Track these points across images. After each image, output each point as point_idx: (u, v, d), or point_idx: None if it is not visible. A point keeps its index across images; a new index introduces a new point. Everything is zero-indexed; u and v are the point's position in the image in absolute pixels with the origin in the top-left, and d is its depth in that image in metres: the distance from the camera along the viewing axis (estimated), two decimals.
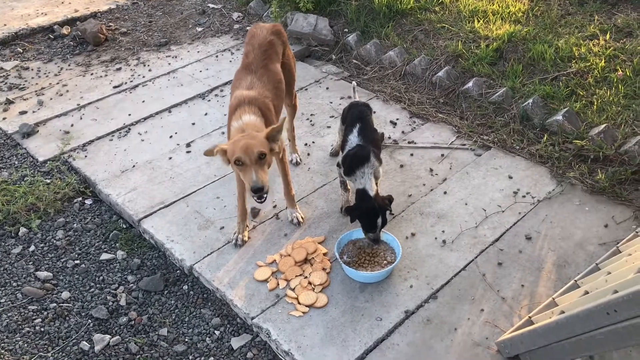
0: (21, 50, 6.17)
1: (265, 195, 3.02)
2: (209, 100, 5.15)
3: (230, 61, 5.76)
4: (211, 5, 6.96)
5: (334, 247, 3.39)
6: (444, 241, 3.55)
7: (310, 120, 4.77)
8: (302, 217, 3.73)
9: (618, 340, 2.25)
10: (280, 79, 3.58)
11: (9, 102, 5.24)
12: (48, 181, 4.26)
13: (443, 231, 3.62)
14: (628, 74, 4.61)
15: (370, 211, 3.26)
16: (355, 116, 3.69)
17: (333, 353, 2.92)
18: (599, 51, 4.90)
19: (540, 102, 4.53)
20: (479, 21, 5.56)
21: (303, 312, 3.15)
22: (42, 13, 6.89)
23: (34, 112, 5.09)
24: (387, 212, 3.34)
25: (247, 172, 2.97)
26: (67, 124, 4.91)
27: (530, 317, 2.89)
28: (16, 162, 4.51)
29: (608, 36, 5.08)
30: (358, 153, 3.45)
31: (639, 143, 3.97)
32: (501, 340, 2.88)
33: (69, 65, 5.88)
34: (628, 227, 3.54)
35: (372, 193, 3.31)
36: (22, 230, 3.88)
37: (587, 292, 2.69)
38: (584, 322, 2.36)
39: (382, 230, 3.42)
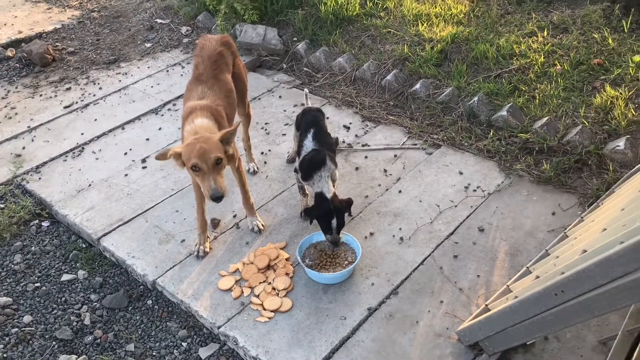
0: None
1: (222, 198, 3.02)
2: (162, 115, 5.15)
3: (182, 75, 5.78)
4: (159, 21, 6.95)
5: (296, 252, 3.45)
6: (401, 238, 3.66)
7: (265, 129, 4.84)
8: (262, 225, 3.78)
9: (567, 318, 2.38)
10: (231, 89, 3.64)
11: None
12: (2, 206, 4.19)
13: (400, 229, 3.73)
14: (566, 68, 4.83)
15: (326, 213, 3.34)
16: (309, 121, 3.77)
17: (300, 355, 2.99)
18: (538, 47, 5.13)
19: (485, 99, 4.71)
20: (422, 24, 5.73)
21: (269, 318, 3.21)
22: None
23: None
24: (346, 214, 3.43)
25: (205, 179, 2.98)
26: (18, 146, 4.84)
27: (487, 305, 3.02)
28: None
29: (546, 33, 5.31)
30: (314, 157, 3.53)
31: (580, 133, 4.17)
32: (461, 329, 3.00)
33: (16, 87, 5.79)
34: (574, 213, 3.73)
35: (329, 195, 3.40)
36: None
37: (538, 277, 2.83)
38: (535, 304, 2.49)
39: (342, 231, 3.51)
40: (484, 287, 3.30)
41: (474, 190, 3.99)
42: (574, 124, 4.34)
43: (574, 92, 4.63)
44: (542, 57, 4.99)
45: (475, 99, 4.68)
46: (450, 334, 3.05)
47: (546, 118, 4.37)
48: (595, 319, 3.06)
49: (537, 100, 4.61)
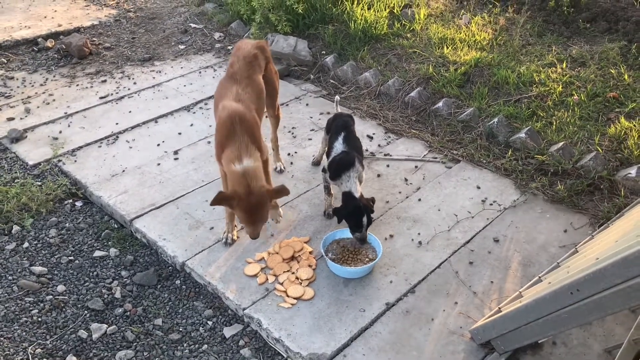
0: (5, 61, 6.29)
1: None
2: (194, 113, 5.38)
3: (214, 77, 6.02)
4: (193, 25, 7.23)
5: (319, 246, 3.64)
6: (419, 242, 3.85)
7: (292, 133, 5.05)
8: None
9: (580, 316, 2.56)
10: (262, 89, 3.85)
11: None
12: (39, 183, 4.39)
13: (419, 233, 3.92)
14: (583, 98, 5.06)
15: (357, 211, 3.54)
16: (340, 125, 3.99)
17: (321, 340, 3.16)
18: (556, 78, 5.37)
19: (505, 121, 4.93)
20: (447, 47, 5.98)
21: (291, 304, 3.38)
22: (25, 26, 7.02)
23: (21, 119, 5.22)
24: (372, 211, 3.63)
25: (249, 227, 3.40)
26: (55, 130, 5.06)
27: (499, 308, 3.19)
28: (6, 166, 4.62)
29: (564, 65, 5.56)
30: (344, 158, 3.74)
31: (593, 159, 4.38)
32: (474, 327, 3.17)
33: (54, 76, 6.02)
34: (585, 232, 3.92)
35: (357, 195, 3.59)
36: (15, 228, 4.00)
37: (550, 283, 3.01)
38: (551, 303, 2.67)
39: None
40: (497, 292, 3.47)
41: (491, 204, 4.19)
42: (589, 150, 4.54)
43: (589, 121, 4.85)
44: (561, 86, 5.22)
45: (495, 120, 4.90)
46: (464, 333, 3.22)
47: (562, 143, 4.58)
48: (602, 329, 3.24)
49: (554, 126, 4.83)
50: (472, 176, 4.50)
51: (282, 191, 3.42)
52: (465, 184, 4.41)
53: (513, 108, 5.07)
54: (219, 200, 3.29)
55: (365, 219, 3.54)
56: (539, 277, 3.35)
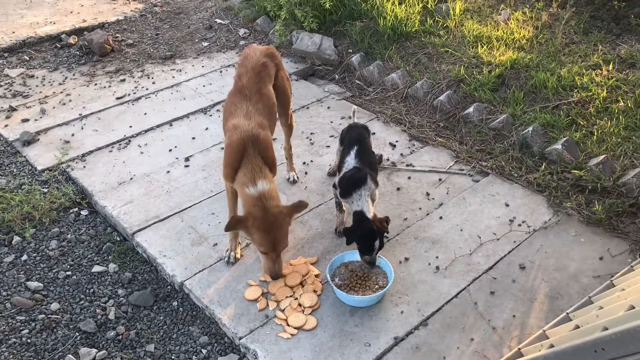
0: (27, 58, 6.22)
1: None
2: (211, 115, 5.17)
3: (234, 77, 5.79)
4: (218, 21, 7.01)
5: (326, 269, 3.37)
6: (437, 267, 3.53)
7: (310, 139, 4.78)
8: None
9: None
10: (273, 103, 3.60)
11: (12, 109, 5.27)
12: (45, 190, 4.26)
13: (437, 257, 3.60)
14: (629, 105, 4.60)
15: (368, 234, 3.25)
16: (354, 138, 3.69)
17: None
18: (601, 81, 4.91)
19: (540, 130, 4.53)
20: (482, 47, 5.57)
21: (292, 334, 3.13)
22: (50, 22, 6.95)
23: (36, 120, 5.12)
24: (384, 234, 3.34)
25: (269, 262, 3.21)
26: (68, 133, 4.93)
27: (519, 349, 2.86)
28: (15, 170, 4.52)
29: (611, 67, 5.08)
30: (355, 175, 3.45)
31: (638, 176, 3.95)
32: None
33: (74, 74, 5.92)
34: (623, 260, 3.52)
35: (369, 215, 3.30)
36: (16, 239, 3.87)
37: (577, 327, 2.66)
38: (572, 358, 2.33)
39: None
40: (519, 328, 3.13)
41: (519, 225, 3.82)
42: (633, 166, 4.11)
43: (635, 132, 4.40)
44: (605, 91, 4.76)
45: (530, 128, 4.50)
46: None
47: (603, 156, 4.16)
48: None
49: (594, 137, 4.40)
50: (500, 192, 4.13)
51: (301, 206, 3.26)
52: (493, 201, 4.05)
53: (550, 115, 4.65)
54: (233, 224, 3.15)
55: (377, 243, 3.25)
56: (567, 313, 2.99)
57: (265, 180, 3.18)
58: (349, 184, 3.43)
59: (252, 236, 3.15)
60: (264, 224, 3.10)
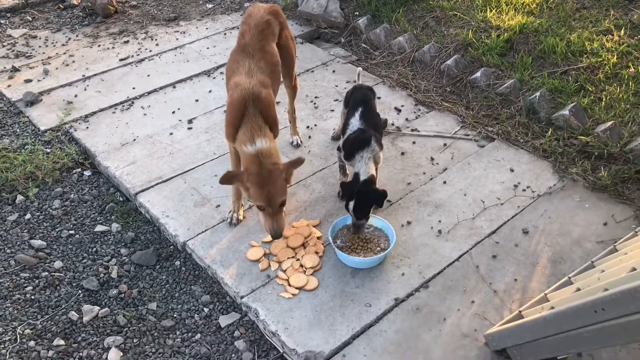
0: (30, 19, 6.16)
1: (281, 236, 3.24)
2: (214, 78, 5.11)
3: None
4: None
5: (328, 231, 3.36)
6: (439, 231, 3.52)
7: (314, 103, 4.73)
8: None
9: (604, 338, 2.21)
10: (277, 62, 3.53)
11: (15, 69, 5.23)
12: (48, 150, 4.25)
13: (439, 221, 3.59)
14: None
15: (350, 195, 3.25)
16: (359, 99, 3.64)
17: (320, 336, 2.91)
18: (611, 47, 4.81)
19: (548, 95, 4.46)
20: (491, 10, 5.47)
21: (293, 294, 3.14)
22: None
23: (39, 80, 5.09)
24: (376, 203, 3.30)
25: (268, 219, 3.14)
26: (71, 94, 4.90)
27: (520, 312, 2.86)
28: (18, 130, 4.50)
29: (623, 32, 4.98)
30: (359, 137, 3.41)
31: None
32: (489, 333, 2.85)
33: (77, 35, 5.85)
34: (628, 226, 3.49)
35: (363, 177, 3.27)
36: (20, 198, 3.88)
37: (579, 289, 2.66)
38: (572, 319, 2.33)
39: (378, 217, 3.41)
40: (520, 292, 3.13)
41: (524, 190, 3.79)
42: None
43: None
44: (615, 57, 4.67)
45: (538, 94, 4.44)
46: (478, 336, 2.91)
47: (610, 122, 4.10)
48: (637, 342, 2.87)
49: (603, 103, 4.33)
50: (506, 157, 4.09)
51: (297, 162, 3.23)
52: (498, 166, 4.01)
53: (559, 81, 4.57)
54: (227, 178, 3.14)
55: (355, 205, 3.22)
56: (569, 277, 2.98)
57: (265, 139, 3.14)
58: (352, 146, 3.40)
59: (248, 192, 3.12)
60: (257, 179, 3.07)
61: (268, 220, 3.14)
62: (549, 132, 4.22)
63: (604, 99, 4.36)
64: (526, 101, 4.47)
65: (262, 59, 3.40)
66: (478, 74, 4.82)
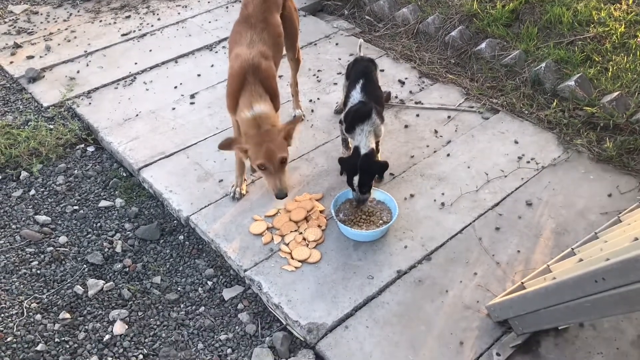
0: None
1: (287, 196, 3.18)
2: (217, 52, 5.07)
3: None
4: None
5: (331, 205, 3.36)
6: (442, 204, 3.51)
7: (317, 77, 4.69)
8: None
9: (605, 308, 2.22)
10: (280, 33, 3.49)
11: (17, 46, 5.21)
12: (51, 127, 4.25)
13: (443, 194, 3.58)
14: None
15: (350, 169, 3.25)
16: (360, 72, 3.61)
17: (322, 308, 2.93)
18: (619, 16, 4.73)
19: (554, 66, 4.40)
20: None
21: (295, 267, 3.15)
22: None
23: (41, 57, 5.06)
24: (377, 174, 3.31)
25: (271, 178, 3.10)
26: (73, 70, 4.88)
27: (522, 283, 2.87)
28: (21, 107, 4.50)
29: (631, 1, 4.89)
30: (360, 109, 3.39)
31: None
32: (491, 304, 2.86)
33: (79, 11, 5.81)
34: (632, 197, 3.47)
35: (363, 151, 3.25)
36: (24, 174, 3.89)
37: (581, 260, 2.65)
38: (573, 289, 2.33)
39: (380, 190, 3.41)
40: (523, 263, 3.13)
41: (528, 162, 3.77)
42: None
43: None
44: (623, 26, 4.60)
45: (543, 65, 4.38)
46: (480, 308, 2.93)
47: (617, 93, 4.05)
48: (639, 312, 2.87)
49: (609, 73, 4.28)
50: (510, 129, 4.06)
51: (295, 122, 3.21)
52: (502, 138, 3.98)
53: (564, 51, 4.51)
54: (226, 144, 3.13)
55: (356, 179, 3.22)
56: (572, 249, 2.98)
57: (264, 105, 3.12)
58: (353, 119, 3.38)
59: (248, 153, 3.09)
60: (255, 138, 3.06)
61: (271, 179, 3.10)
62: (554, 103, 4.17)
63: (610, 69, 4.30)
64: (531, 72, 4.42)
65: (265, 30, 3.37)
66: (483, 45, 4.76)
